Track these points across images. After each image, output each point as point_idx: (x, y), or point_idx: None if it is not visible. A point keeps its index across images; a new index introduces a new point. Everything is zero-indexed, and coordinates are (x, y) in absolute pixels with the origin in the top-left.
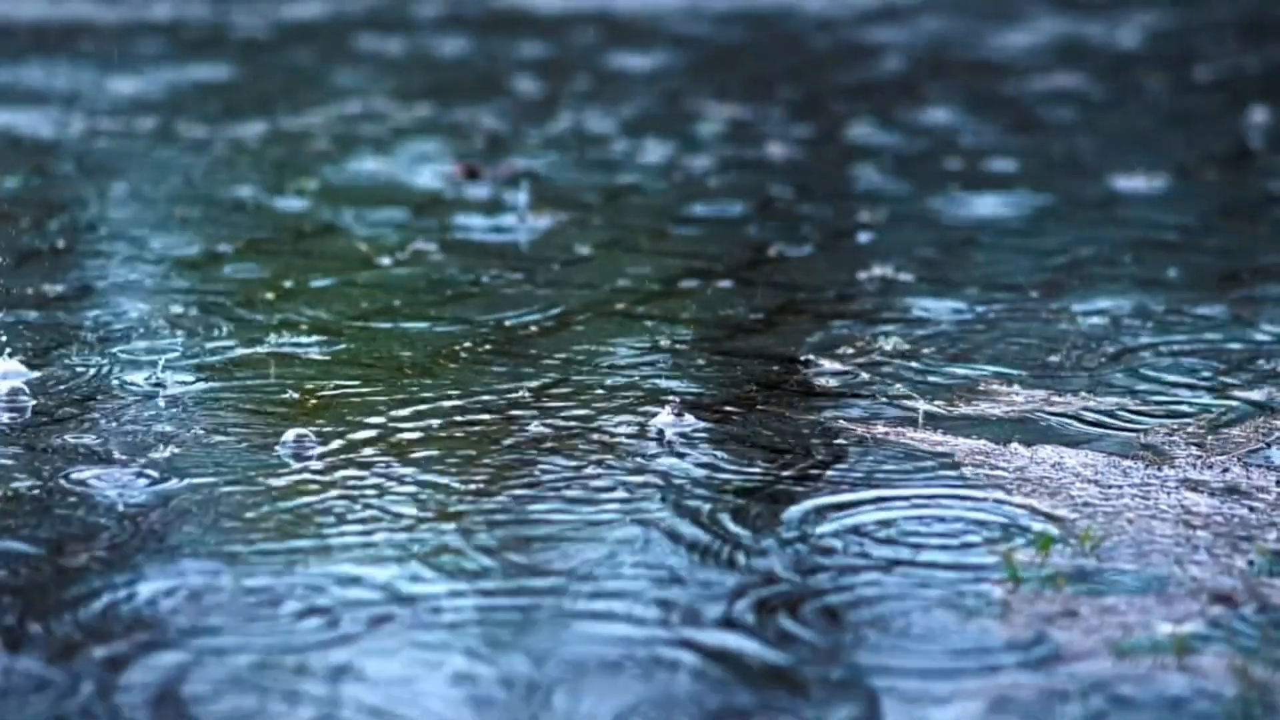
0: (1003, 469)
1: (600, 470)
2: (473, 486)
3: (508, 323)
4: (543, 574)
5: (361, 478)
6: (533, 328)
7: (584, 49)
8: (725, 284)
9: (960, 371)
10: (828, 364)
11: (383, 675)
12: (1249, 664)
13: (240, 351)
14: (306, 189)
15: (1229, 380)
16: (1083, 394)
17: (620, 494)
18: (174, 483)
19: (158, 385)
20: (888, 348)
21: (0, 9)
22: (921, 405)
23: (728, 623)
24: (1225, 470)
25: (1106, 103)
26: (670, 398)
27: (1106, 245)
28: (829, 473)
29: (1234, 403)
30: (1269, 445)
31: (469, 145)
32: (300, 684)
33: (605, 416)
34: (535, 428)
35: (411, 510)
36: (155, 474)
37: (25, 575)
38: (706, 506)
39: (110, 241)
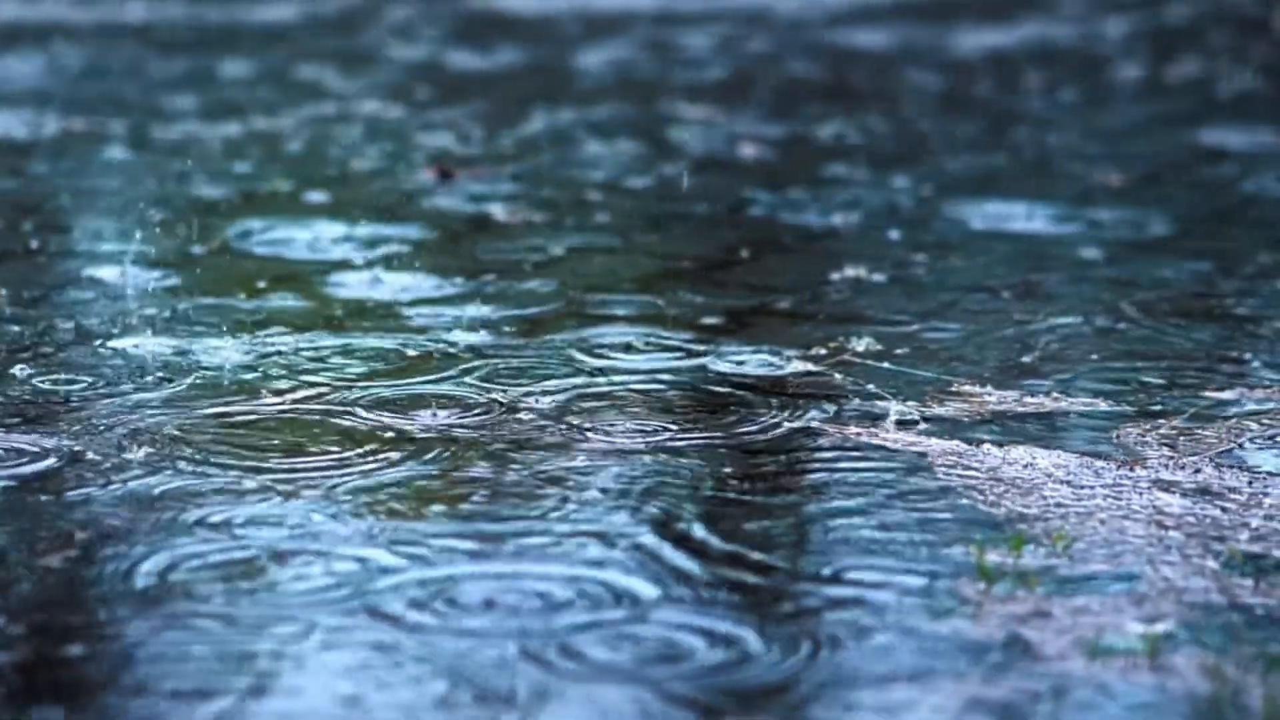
0: (975, 469)
1: (569, 470)
2: (440, 483)
3: (481, 323)
4: (501, 559)
5: (336, 474)
6: (505, 328)
7: (557, 50)
8: (697, 285)
9: (932, 372)
10: (799, 364)
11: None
12: (1221, 664)
13: (215, 351)
14: (280, 190)
15: (1201, 380)
16: (1055, 395)
17: (588, 496)
18: (148, 482)
19: (135, 384)
20: (860, 348)
21: None
22: (893, 406)
23: (695, 628)
24: (1197, 471)
25: (1079, 103)
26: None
27: (1079, 246)
28: (800, 474)
29: (1206, 403)
30: (1241, 446)
31: (443, 146)
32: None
33: (577, 417)
34: (508, 425)
35: (383, 505)
36: (129, 473)
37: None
38: (676, 509)
39: (84, 242)
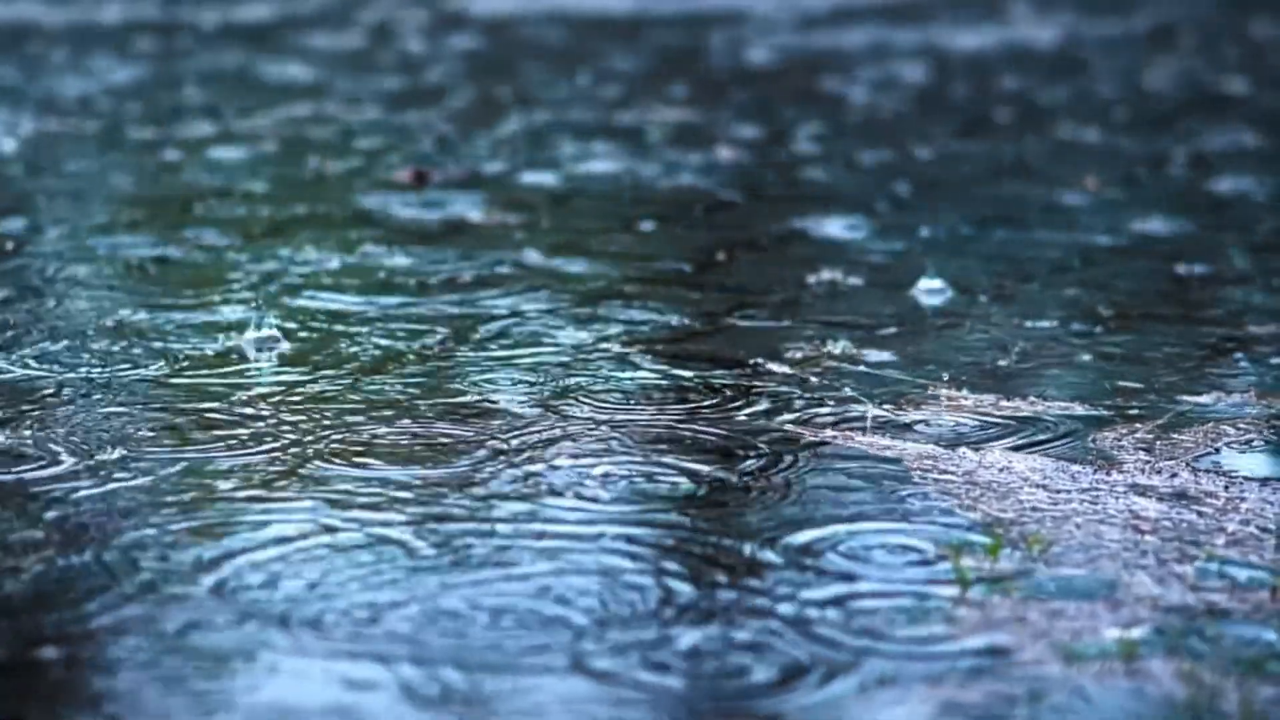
0: (951, 473)
1: (540, 470)
2: (422, 484)
3: (458, 325)
4: (471, 566)
5: (316, 475)
6: (482, 330)
7: (533, 51)
8: (673, 287)
9: (908, 375)
10: (775, 368)
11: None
12: (1197, 668)
13: (191, 352)
14: (255, 191)
15: (1178, 384)
16: (1031, 398)
17: (565, 499)
18: (122, 483)
19: (112, 385)
20: (836, 351)
21: None
22: (869, 409)
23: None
24: (1174, 475)
25: (1056, 106)
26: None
27: (1056, 249)
28: (776, 477)
29: (1183, 407)
30: (1218, 450)
31: (418, 148)
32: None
33: (553, 418)
34: (485, 428)
35: (361, 502)
36: (104, 474)
37: None
38: (649, 514)
39: (59, 243)
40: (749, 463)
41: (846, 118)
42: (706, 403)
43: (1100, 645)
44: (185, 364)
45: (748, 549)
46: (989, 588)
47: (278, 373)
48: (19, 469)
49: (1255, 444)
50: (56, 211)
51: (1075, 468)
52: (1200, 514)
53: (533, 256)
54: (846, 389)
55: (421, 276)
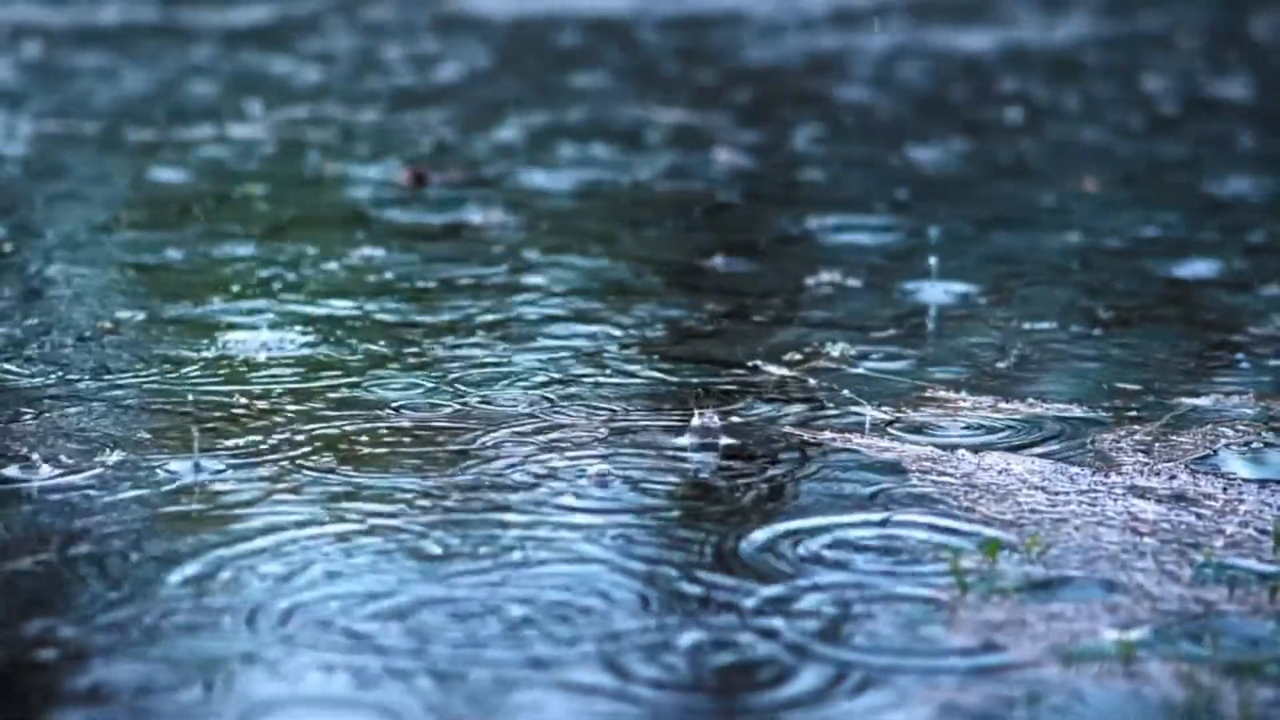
0: (950, 475)
1: (538, 471)
2: (420, 485)
3: (457, 327)
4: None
5: (315, 476)
6: (479, 332)
7: (532, 52)
8: (672, 289)
9: (908, 378)
10: (775, 370)
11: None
12: (1195, 670)
13: (188, 355)
14: (255, 192)
15: (1177, 386)
16: (1030, 400)
17: (563, 499)
18: (122, 486)
19: (108, 387)
20: (835, 354)
21: None
22: (868, 411)
23: (662, 650)
24: (1173, 477)
25: (1054, 108)
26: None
27: (1056, 250)
28: (773, 479)
29: (1182, 408)
30: (1216, 452)
31: (416, 150)
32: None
33: (552, 419)
34: (484, 428)
35: (356, 504)
36: (103, 477)
37: None
38: (646, 515)
39: (57, 246)
40: (747, 464)
41: (846, 118)
42: (706, 404)
43: (1098, 647)
44: (184, 366)
45: (744, 550)
46: (987, 589)
47: (277, 374)
48: (17, 471)
49: (1254, 446)
50: (55, 213)
51: (1074, 469)
52: (1199, 516)
53: (532, 257)
54: (845, 390)
55: (421, 277)
